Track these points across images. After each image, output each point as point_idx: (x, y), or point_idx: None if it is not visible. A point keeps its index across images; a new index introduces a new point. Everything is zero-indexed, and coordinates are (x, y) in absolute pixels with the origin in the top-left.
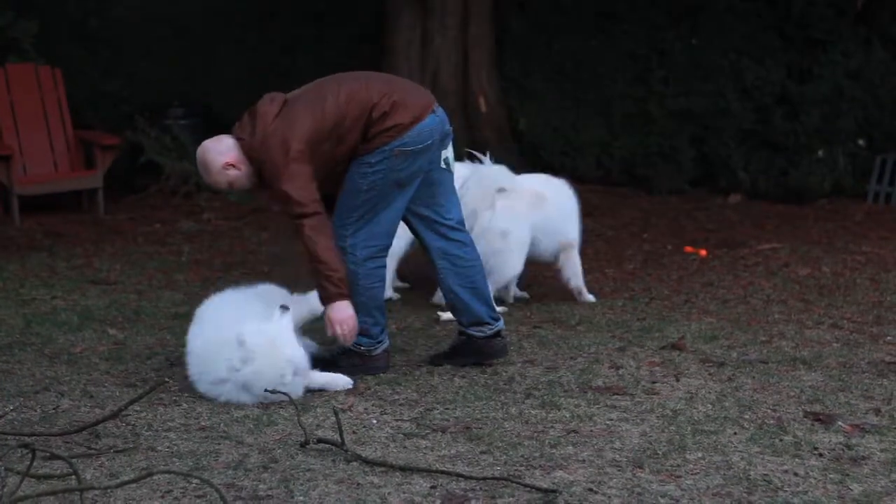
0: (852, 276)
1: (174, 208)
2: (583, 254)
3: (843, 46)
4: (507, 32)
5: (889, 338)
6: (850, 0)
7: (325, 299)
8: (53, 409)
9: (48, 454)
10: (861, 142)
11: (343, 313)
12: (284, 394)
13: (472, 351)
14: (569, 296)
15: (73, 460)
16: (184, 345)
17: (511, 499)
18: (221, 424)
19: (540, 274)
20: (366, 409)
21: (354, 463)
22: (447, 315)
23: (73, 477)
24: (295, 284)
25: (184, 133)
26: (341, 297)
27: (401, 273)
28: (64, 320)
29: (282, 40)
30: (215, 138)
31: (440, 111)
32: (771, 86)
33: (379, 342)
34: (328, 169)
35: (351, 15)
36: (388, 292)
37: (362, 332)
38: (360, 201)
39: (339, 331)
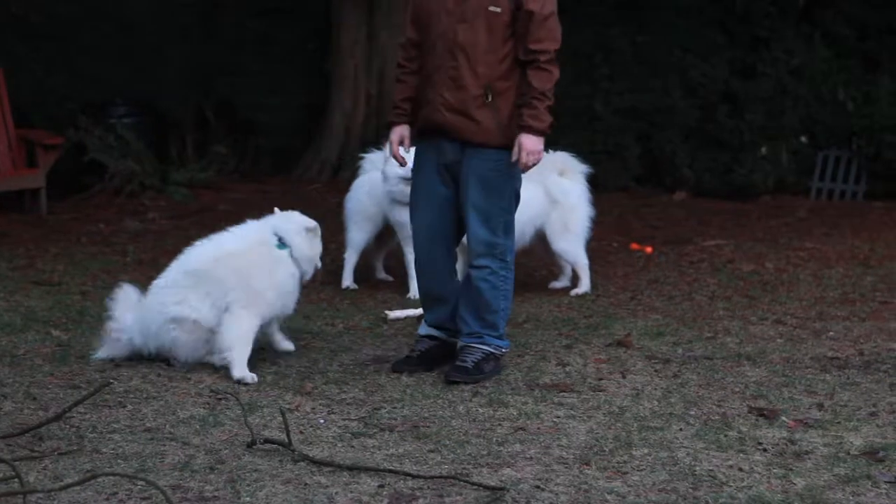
0: (795, 272)
1: (118, 208)
2: (529, 252)
3: (786, 44)
4: None
5: (832, 333)
6: None
7: (543, 131)
8: None
9: None
10: (803, 138)
11: (539, 146)
12: (231, 394)
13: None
14: (516, 293)
15: (16, 463)
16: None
17: (459, 497)
18: (167, 426)
19: None
20: (313, 408)
21: (301, 463)
22: (395, 314)
23: (16, 480)
24: None
25: (128, 132)
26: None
27: (387, 267)
28: (6, 322)
29: (228, 37)
30: None
31: None
32: (715, 83)
33: None
34: None
35: (298, 12)
36: (347, 282)
37: (502, 336)
38: (507, 199)
39: (527, 160)
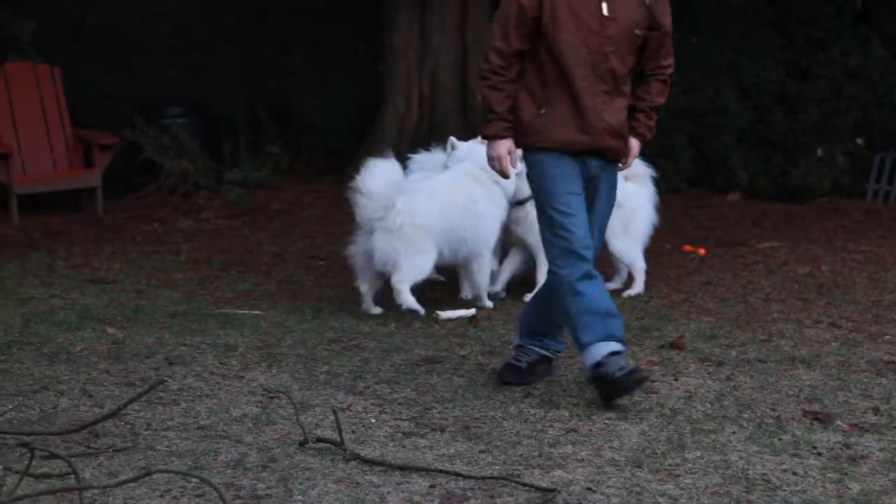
0: (851, 275)
1: (172, 207)
2: None
3: (841, 45)
4: None
5: (888, 336)
6: None
7: (648, 140)
8: (52, 408)
9: (47, 453)
10: (859, 140)
11: None
12: (283, 392)
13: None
14: None
15: (72, 459)
16: (183, 343)
17: (510, 498)
18: (220, 423)
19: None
20: (364, 408)
21: (353, 462)
22: (446, 314)
23: (72, 476)
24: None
25: (182, 132)
26: None
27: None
28: (63, 319)
29: (280, 38)
30: None
31: None
32: (769, 84)
33: None
34: None
35: (349, 13)
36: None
37: (560, 341)
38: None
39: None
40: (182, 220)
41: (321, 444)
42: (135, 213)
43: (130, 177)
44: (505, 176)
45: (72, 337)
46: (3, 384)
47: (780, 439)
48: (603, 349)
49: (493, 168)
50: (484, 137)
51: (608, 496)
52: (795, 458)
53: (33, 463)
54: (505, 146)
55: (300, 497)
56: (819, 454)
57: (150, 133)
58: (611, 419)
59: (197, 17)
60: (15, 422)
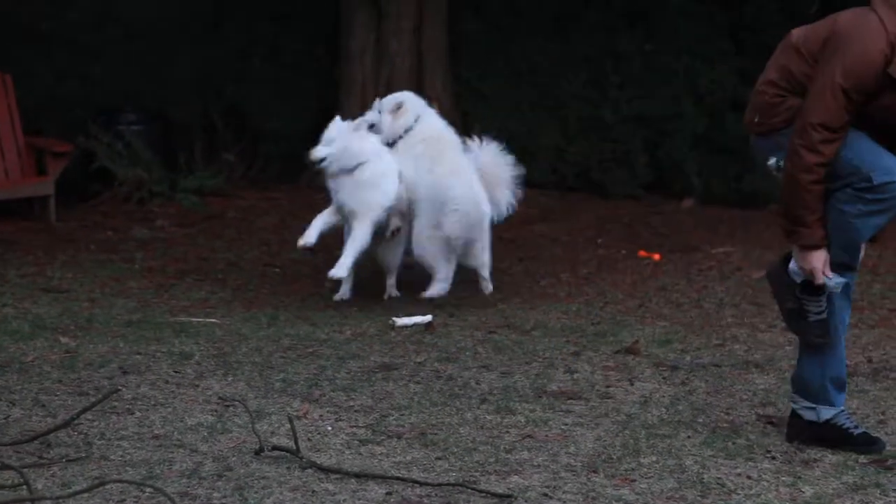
0: None
1: (127, 215)
2: (538, 259)
3: None
4: (462, 35)
5: None
6: (803, 6)
7: None
8: (4, 418)
9: None
10: None
11: None
12: (239, 401)
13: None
14: (524, 301)
15: (25, 470)
16: (138, 352)
17: None
18: (175, 433)
19: (495, 279)
20: (321, 415)
21: (309, 470)
22: (402, 321)
23: (24, 487)
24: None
25: (137, 139)
26: None
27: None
28: (15, 329)
29: (236, 43)
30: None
31: None
32: (724, 90)
33: None
34: None
35: (307, 18)
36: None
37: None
38: None
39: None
40: (136, 228)
41: (277, 453)
42: (88, 221)
43: (84, 184)
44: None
45: (24, 346)
46: None
47: (734, 443)
48: None
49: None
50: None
51: (564, 501)
52: (750, 462)
53: None
54: (821, 258)
55: None
56: (773, 458)
57: (104, 140)
58: (567, 425)
59: (152, 22)
60: None
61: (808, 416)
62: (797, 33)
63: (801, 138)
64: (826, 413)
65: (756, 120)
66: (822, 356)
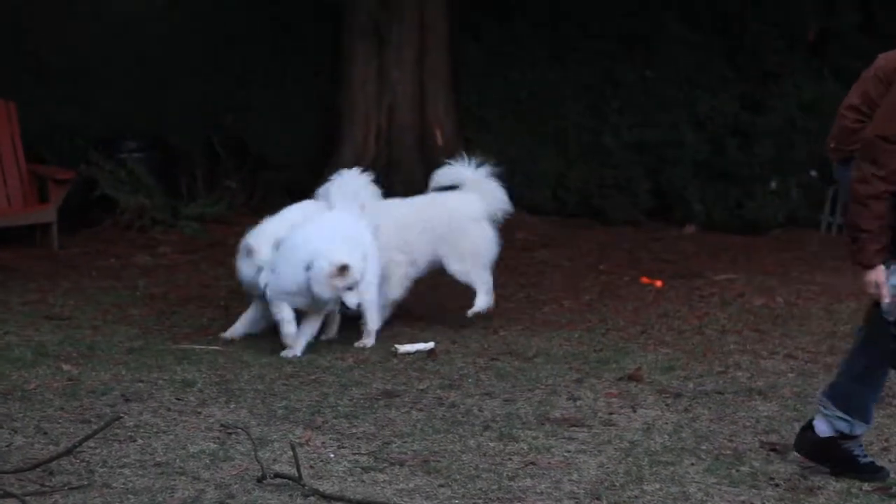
0: (806, 306)
1: (129, 242)
2: (539, 285)
3: (795, 78)
4: (464, 64)
5: None
6: (801, 32)
7: None
8: (6, 446)
9: (1, 492)
10: (813, 172)
11: None
12: (241, 428)
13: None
14: (526, 328)
15: (27, 498)
16: (140, 380)
17: None
18: (177, 460)
19: (497, 306)
20: (323, 443)
21: (312, 497)
22: (404, 348)
23: None
24: None
25: (138, 166)
26: None
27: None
28: (17, 356)
29: (238, 72)
30: None
31: None
32: (724, 117)
33: None
34: None
35: (308, 47)
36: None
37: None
38: None
39: None
40: (139, 255)
41: (279, 480)
42: (91, 248)
43: (86, 212)
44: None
45: (26, 374)
46: None
47: (737, 471)
48: None
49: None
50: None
51: None
52: (753, 490)
53: None
54: (881, 274)
55: None
56: (776, 485)
57: (106, 168)
58: (570, 452)
59: (154, 51)
60: None
61: (840, 426)
62: (880, 58)
63: (863, 150)
64: (859, 429)
65: (833, 146)
66: (880, 379)
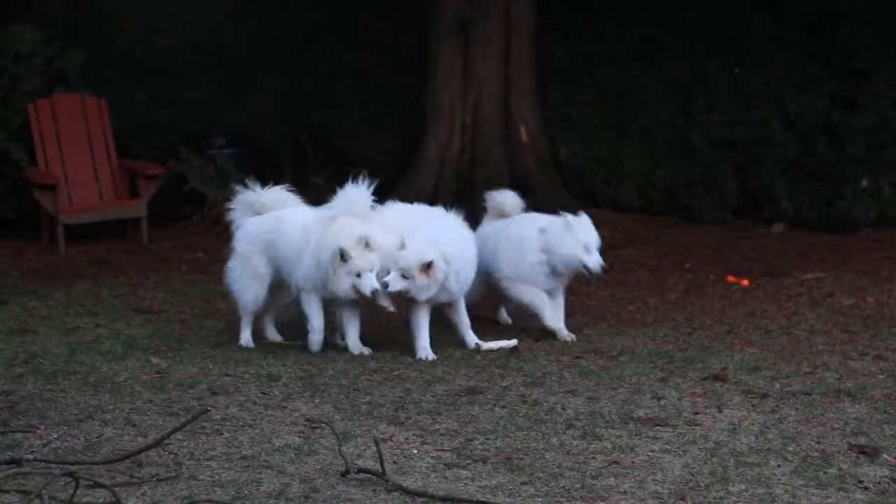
0: None
1: (217, 237)
2: (624, 283)
3: (888, 76)
4: (550, 61)
5: None
6: (894, 30)
7: None
8: (97, 437)
9: (91, 482)
10: None
11: None
12: (325, 423)
13: None
14: (611, 326)
15: (117, 489)
16: (226, 373)
17: None
18: (263, 454)
19: (581, 304)
20: (406, 438)
21: (395, 493)
22: (488, 345)
23: None
24: None
25: (227, 162)
26: None
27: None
28: (108, 349)
29: (324, 69)
30: None
31: None
32: (814, 115)
33: None
34: None
35: (393, 44)
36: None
37: None
38: None
39: None
40: (226, 249)
41: (363, 475)
42: (180, 242)
43: (176, 206)
44: None
45: (116, 367)
46: (48, 413)
47: (825, 473)
48: None
49: None
50: None
51: None
52: (842, 493)
53: (78, 492)
54: None
55: None
56: (866, 488)
57: (195, 163)
58: (654, 452)
59: (242, 49)
60: (60, 451)
61: None
62: None
63: None
64: None
65: None
66: None
